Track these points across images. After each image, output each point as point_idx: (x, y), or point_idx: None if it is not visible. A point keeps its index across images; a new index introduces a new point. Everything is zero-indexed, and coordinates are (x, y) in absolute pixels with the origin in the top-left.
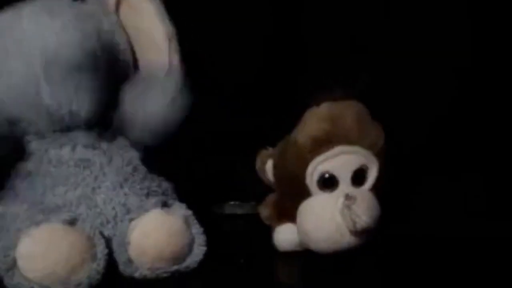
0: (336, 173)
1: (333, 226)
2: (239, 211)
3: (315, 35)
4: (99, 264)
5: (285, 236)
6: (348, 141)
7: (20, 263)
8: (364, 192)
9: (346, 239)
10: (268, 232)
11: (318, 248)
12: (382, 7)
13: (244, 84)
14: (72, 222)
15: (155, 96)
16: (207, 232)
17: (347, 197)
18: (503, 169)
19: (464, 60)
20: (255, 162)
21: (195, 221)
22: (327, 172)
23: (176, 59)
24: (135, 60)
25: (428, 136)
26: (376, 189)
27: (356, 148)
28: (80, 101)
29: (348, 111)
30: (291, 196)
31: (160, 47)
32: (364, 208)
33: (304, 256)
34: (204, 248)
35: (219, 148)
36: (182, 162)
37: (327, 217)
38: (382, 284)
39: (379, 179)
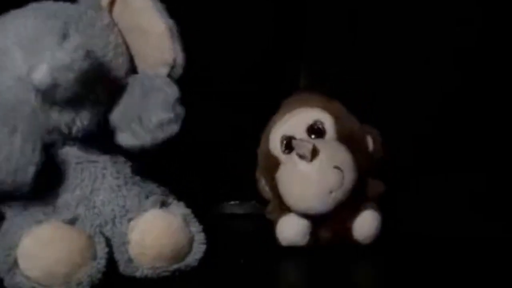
0: (291, 132)
1: (300, 180)
2: (239, 211)
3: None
4: (100, 263)
5: (287, 227)
6: (307, 105)
7: (21, 262)
8: (324, 140)
9: (320, 193)
10: (268, 231)
11: (301, 209)
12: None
13: (245, 84)
14: (72, 222)
15: (156, 105)
16: (207, 232)
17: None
18: (503, 169)
19: (465, 60)
20: (256, 161)
21: (194, 219)
22: (285, 135)
23: (180, 55)
24: (132, 62)
25: (428, 136)
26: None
27: (310, 109)
28: (80, 120)
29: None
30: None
31: (161, 44)
32: (329, 151)
33: (304, 255)
34: (204, 246)
35: (219, 148)
36: (182, 162)
37: (293, 175)
38: (383, 284)
39: (341, 131)
